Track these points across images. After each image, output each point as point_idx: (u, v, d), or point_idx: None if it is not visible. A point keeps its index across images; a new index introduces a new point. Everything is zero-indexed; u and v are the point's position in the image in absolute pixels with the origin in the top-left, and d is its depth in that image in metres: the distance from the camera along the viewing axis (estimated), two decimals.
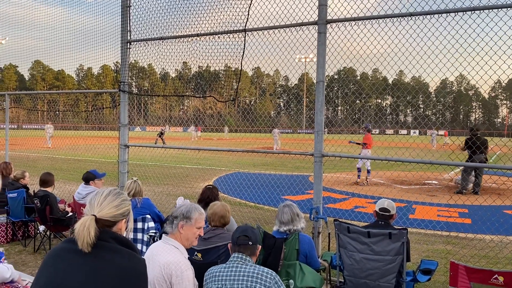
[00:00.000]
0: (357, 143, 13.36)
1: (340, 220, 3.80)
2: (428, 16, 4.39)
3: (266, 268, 2.74)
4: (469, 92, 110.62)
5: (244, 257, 2.81)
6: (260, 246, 3.01)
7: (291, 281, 3.76)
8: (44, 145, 26.18)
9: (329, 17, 4.84)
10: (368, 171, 13.32)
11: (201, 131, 46.18)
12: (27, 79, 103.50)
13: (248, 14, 5.28)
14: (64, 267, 1.91)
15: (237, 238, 2.88)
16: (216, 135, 47.20)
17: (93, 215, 1.98)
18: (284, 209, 4.03)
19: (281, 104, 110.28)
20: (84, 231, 1.87)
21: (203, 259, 3.60)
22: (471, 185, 11.94)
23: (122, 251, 1.98)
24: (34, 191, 6.30)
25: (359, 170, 13.39)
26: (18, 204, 6.35)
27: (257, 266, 2.77)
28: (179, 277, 2.80)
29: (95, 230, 1.91)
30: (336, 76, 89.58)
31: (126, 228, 2.19)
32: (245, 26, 5.36)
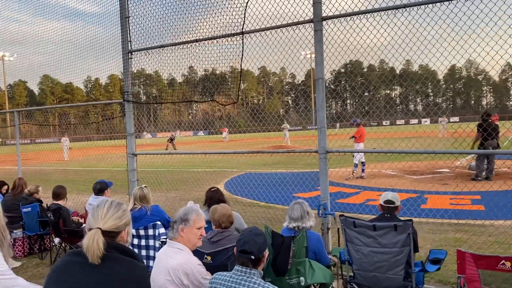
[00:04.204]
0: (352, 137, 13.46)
1: (345, 215, 3.84)
2: (427, 5, 4.38)
3: (272, 285, 2.66)
4: (478, 76, 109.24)
5: (247, 270, 2.73)
6: (267, 253, 2.90)
7: (302, 278, 3.80)
8: (61, 159, 26.46)
9: (324, 14, 4.86)
10: (363, 163, 13.31)
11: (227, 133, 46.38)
12: (36, 94, 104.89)
13: (245, 17, 5.32)
14: (69, 281, 1.98)
15: (239, 252, 2.80)
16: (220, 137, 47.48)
17: (99, 228, 2.05)
18: (294, 206, 4.08)
19: (289, 101, 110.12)
20: (93, 244, 1.95)
21: (213, 262, 3.66)
22: (484, 171, 11.85)
23: (124, 260, 2.05)
24: (47, 204, 6.43)
25: (356, 165, 13.35)
26: (33, 218, 6.49)
27: (262, 283, 2.68)
28: (190, 274, 2.90)
29: (103, 242, 1.99)
30: (342, 70, 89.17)
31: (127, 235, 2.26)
32: (242, 28, 5.41)
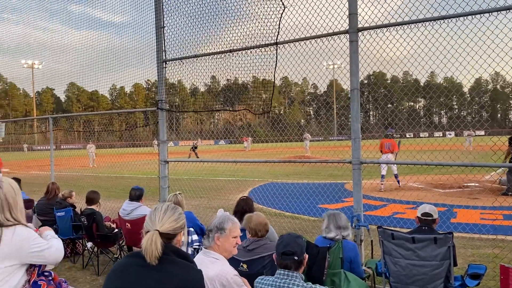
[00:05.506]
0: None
1: (384, 227, 3.80)
2: (461, 18, 4.36)
3: (318, 286, 2.70)
4: (505, 89, 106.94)
5: (290, 273, 2.75)
6: (307, 256, 2.93)
7: None
8: (87, 165, 26.90)
9: (359, 25, 4.88)
10: (382, 176, 13.27)
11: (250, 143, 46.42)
12: (63, 101, 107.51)
13: (279, 28, 5.38)
14: (130, 281, 2.03)
15: (281, 254, 2.81)
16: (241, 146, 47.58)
17: (156, 230, 2.10)
18: (340, 215, 4.07)
19: (311, 112, 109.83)
20: (152, 245, 2.00)
21: (249, 270, 3.67)
22: None
23: (182, 264, 2.09)
24: (80, 209, 6.56)
25: (383, 177, 13.26)
26: (66, 222, 6.62)
27: (307, 285, 2.71)
28: (227, 285, 2.89)
29: (161, 243, 2.04)
30: (366, 81, 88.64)
31: (182, 241, 2.31)
32: (277, 39, 5.47)
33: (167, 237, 2.16)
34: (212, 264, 3.00)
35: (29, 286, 2.79)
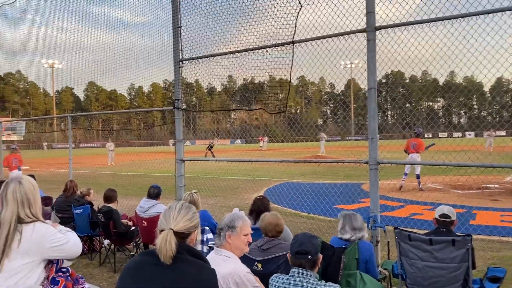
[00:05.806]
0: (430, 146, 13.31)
1: (400, 228, 3.75)
2: (482, 16, 4.27)
3: (332, 285, 2.69)
4: None
5: (305, 272, 2.75)
6: (321, 256, 2.91)
7: None
8: (105, 163, 27.25)
9: (377, 24, 4.82)
10: (405, 174, 13.34)
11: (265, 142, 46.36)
12: (82, 100, 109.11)
13: (296, 26, 5.36)
14: (144, 280, 2.04)
15: (295, 253, 2.81)
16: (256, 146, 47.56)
17: (171, 228, 2.11)
18: (355, 216, 4.04)
19: (328, 111, 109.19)
20: (166, 245, 2.01)
21: (264, 269, 3.66)
22: None
23: (195, 263, 2.09)
24: (98, 206, 6.65)
25: (405, 174, 13.35)
26: (84, 219, 6.72)
27: (321, 284, 2.70)
28: (240, 282, 2.89)
29: (175, 242, 2.04)
30: (384, 80, 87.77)
31: (195, 240, 2.31)
32: (293, 38, 5.44)
33: (181, 236, 2.16)
34: (225, 262, 3.01)
35: (48, 282, 2.84)
